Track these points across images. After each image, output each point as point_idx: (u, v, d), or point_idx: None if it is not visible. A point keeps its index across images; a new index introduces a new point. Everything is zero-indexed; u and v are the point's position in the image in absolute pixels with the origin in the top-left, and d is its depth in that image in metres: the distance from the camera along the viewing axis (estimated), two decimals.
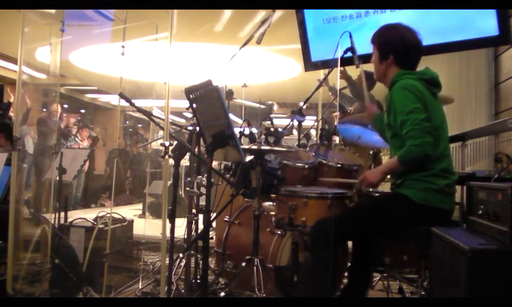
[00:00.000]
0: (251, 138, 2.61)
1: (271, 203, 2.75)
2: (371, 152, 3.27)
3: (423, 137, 1.95)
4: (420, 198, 2.03)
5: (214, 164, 3.39)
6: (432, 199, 2.03)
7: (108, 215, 3.58)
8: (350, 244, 2.52)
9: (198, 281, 2.64)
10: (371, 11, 3.69)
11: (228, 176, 2.66)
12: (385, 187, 2.58)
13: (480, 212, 1.68)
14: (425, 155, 1.98)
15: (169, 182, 3.04)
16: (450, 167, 2.14)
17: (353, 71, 4.18)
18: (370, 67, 4.31)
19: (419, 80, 2.10)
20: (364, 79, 3.02)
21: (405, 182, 2.09)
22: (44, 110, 7.16)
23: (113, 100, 11.93)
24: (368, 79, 4.46)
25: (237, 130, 2.37)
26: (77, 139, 8.03)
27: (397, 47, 2.17)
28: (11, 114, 5.21)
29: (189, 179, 2.81)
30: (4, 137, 3.83)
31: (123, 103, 2.81)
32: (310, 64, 4.14)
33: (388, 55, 2.19)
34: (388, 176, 2.22)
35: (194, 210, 2.85)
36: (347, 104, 4.64)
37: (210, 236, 2.72)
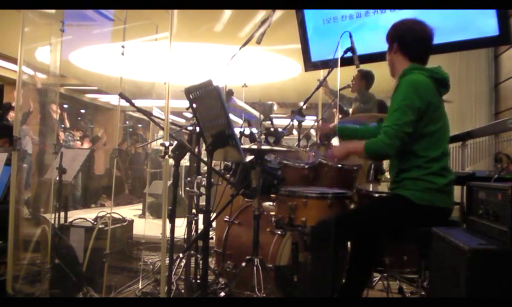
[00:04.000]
0: (251, 138, 2.61)
1: (271, 203, 2.75)
2: None
3: (394, 140, 1.98)
4: (419, 199, 2.03)
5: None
6: (431, 198, 2.04)
7: (108, 215, 3.57)
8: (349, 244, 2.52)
9: (198, 281, 2.63)
10: (371, 11, 3.69)
11: (228, 176, 2.66)
12: (384, 187, 2.58)
13: (480, 211, 1.68)
14: (386, 155, 2.10)
15: (169, 182, 3.04)
16: (448, 165, 2.15)
17: (353, 71, 4.17)
18: (369, 67, 4.33)
19: (430, 77, 2.10)
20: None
21: (403, 182, 2.09)
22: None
23: (113, 100, 11.91)
24: (366, 78, 4.47)
25: (237, 130, 2.37)
26: (70, 137, 8.03)
27: (400, 35, 2.18)
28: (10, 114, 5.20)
29: (189, 179, 2.81)
30: (8, 143, 3.77)
31: (123, 103, 2.81)
32: (310, 64, 4.14)
33: (392, 44, 2.20)
34: (388, 176, 2.22)
35: (194, 210, 2.85)
36: (346, 105, 4.65)
37: (210, 236, 2.71)
